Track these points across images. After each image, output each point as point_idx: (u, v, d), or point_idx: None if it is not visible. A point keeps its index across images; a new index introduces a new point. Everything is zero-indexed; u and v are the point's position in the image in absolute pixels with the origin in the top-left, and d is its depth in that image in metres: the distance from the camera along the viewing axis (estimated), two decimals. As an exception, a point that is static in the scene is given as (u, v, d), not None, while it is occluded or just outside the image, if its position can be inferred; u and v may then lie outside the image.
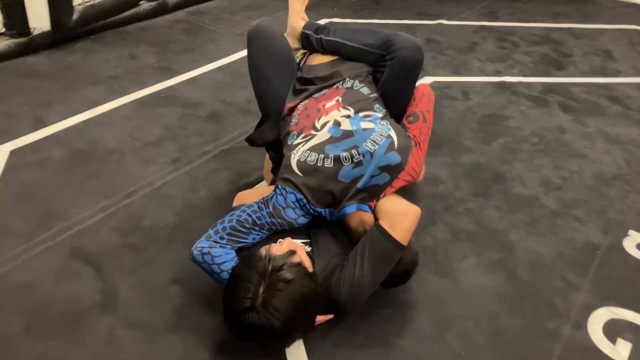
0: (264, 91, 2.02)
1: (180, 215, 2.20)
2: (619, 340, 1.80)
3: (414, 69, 1.94)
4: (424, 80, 3.29)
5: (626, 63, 3.72)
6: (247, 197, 1.91)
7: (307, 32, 2.10)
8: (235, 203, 1.92)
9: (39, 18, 3.21)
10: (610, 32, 4.21)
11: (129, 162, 2.46)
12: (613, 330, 1.84)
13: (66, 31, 3.32)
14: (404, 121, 1.94)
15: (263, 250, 1.58)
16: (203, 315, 1.80)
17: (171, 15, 3.95)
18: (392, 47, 1.90)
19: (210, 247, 1.69)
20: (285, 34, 2.13)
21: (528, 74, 3.48)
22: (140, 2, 3.77)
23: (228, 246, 1.70)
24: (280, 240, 1.75)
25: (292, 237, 1.75)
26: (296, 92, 1.99)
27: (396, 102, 1.98)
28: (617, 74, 3.57)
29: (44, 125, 2.66)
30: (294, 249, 1.62)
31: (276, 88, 2.00)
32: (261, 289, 1.48)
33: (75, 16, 3.30)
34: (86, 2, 3.42)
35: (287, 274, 1.51)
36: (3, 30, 3.17)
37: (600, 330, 1.83)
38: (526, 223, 2.28)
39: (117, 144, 2.57)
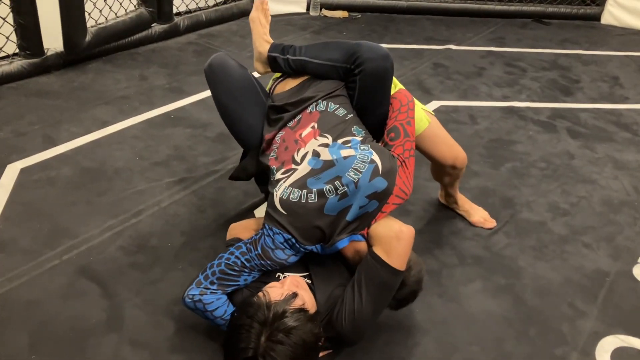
0: (235, 127, 1.96)
1: (187, 234, 2.21)
2: (628, 369, 1.78)
3: (384, 79, 1.84)
4: (432, 105, 3.30)
5: (634, 89, 3.73)
6: (239, 230, 1.90)
7: (274, 54, 1.99)
8: (229, 236, 1.91)
9: (52, 39, 3.26)
10: (618, 58, 4.22)
11: (137, 182, 2.48)
12: (621, 358, 1.81)
13: (79, 52, 3.37)
14: (386, 138, 1.85)
15: (262, 297, 1.54)
16: (208, 336, 1.79)
17: (182, 38, 4.00)
18: (358, 59, 1.80)
19: (201, 294, 1.67)
20: (254, 61, 2.08)
21: (536, 100, 3.49)
22: (152, 25, 3.82)
23: (219, 291, 1.68)
24: (279, 274, 1.73)
25: (289, 272, 1.73)
26: (271, 122, 1.91)
27: (374, 114, 1.89)
28: (625, 100, 3.57)
29: (54, 144, 2.68)
30: (295, 290, 1.58)
31: (247, 121, 1.93)
32: (262, 339, 1.45)
33: (88, 37, 3.34)
34: (99, 24, 3.48)
35: (289, 322, 1.47)
36: (17, 51, 3.22)
37: (609, 358, 1.81)
38: (534, 249, 2.26)
39: (125, 164, 2.59)
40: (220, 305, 1.68)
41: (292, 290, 1.57)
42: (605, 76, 3.90)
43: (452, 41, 4.31)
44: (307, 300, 1.59)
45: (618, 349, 1.85)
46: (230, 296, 1.72)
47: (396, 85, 2.06)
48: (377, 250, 1.64)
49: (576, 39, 4.54)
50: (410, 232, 1.66)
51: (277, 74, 2.09)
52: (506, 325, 1.91)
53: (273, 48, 2.01)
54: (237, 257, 1.68)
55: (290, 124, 1.86)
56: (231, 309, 1.69)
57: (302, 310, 1.52)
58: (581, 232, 2.37)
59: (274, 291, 1.58)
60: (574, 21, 4.92)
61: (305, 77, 1.97)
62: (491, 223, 2.36)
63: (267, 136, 1.88)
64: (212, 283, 1.67)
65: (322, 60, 1.91)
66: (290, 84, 1.98)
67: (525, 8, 4.88)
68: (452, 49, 4.17)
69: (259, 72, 2.10)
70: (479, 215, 2.37)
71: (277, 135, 1.87)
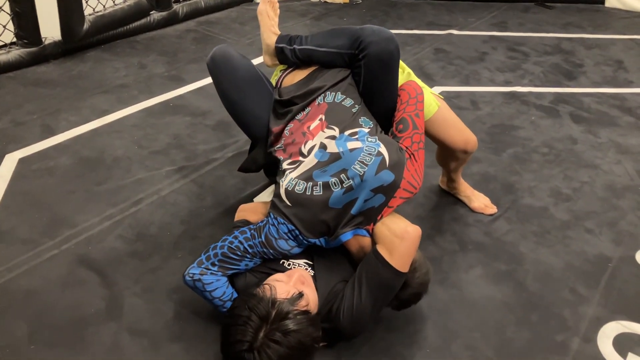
0: (241, 119, 1.95)
1: (186, 223, 2.20)
2: (630, 355, 1.76)
3: (389, 62, 1.80)
4: (434, 91, 3.27)
5: (638, 73, 3.68)
6: (247, 213, 1.89)
7: (281, 45, 1.98)
8: (237, 217, 1.91)
9: (50, 28, 3.24)
10: (622, 42, 4.17)
11: (137, 170, 2.47)
12: (623, 344, 1.80)
13: (77, 41, 3.35)
14: (394, 130, 1.82)
15: (267, 290, 1.52)
16: (207, 324, 1.78)
17: (181, 25, 3.98)
18: (362, 43, 1.77)
19: (201, 274, 1.66)
20: (263, 54, 2.07)
21: (538, 84, 3.46)
22: (151, 12, 3.79)
23: (219, 273, 1.67)
24: (284, 261, 1.71)
25: (293, 259, 1.72)
26: (279, 116, 1.89)
27: (381, 101, 1.86)
28: (629, 84, 3.53)
29: (52, 133, 2.67)
30: (301, 288, 1.56)
31: (253, 112, 1.91)
32: (261, 334, 1.44)
33: (86, 26, 3.32)
34: (97, 12, 3.45)
35: (290, 324, 1.45)
36: (14, 40, 3.20)
37: (610, 344, 1.80)
38: (536, 234, 2.25)
39: (125, 152, 2.58)
40: (219, 287, 1.67)
41: (298, 289, 1.56)
42: (609, 60, 3.85)
43: (453, 26, 4.27)
44: (311, 299, 1.58)
45: (620, 335, 1.83)
46: (233, 279, 1.72)
47: (410, 75, 2.04)
48: (380, 249, 1.62)
49: (579, 23, 4.49)
50: (415, 233, 1.62)
51: (283, 67, 2.07)
52: (507, 311, 1.90)
53: (280, 39, 2.00)
54: (240, 241, 1.67)
55: (299, 116, 1.85)
56: (230, 290, 1.69)
57: (305, 312, 1.50)
58: (583, 218, 2.35)
59: (281, 287, 1.55)
60: (578, 4, 4.86)
61: (313, 68, 1.95)
62: (492, 209, 2.34)
63: (275, 129, 1.87)
64: (213, 264, 1.67)
65: (328, 48, 1.89)
66: (299, 75, 1.96)
67: (528, -8, 4.83)
68: (454, 34, 4.13)
69: (267, 65, 2.09)
70: (479, 201, 2.36)
71: (286, 128, 1.85)
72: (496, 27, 4.29)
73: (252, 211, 1.88)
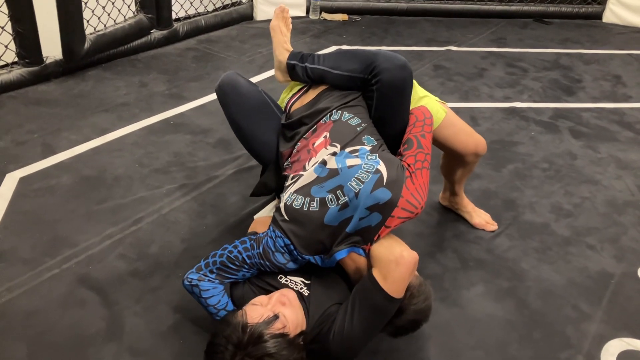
0: (250, 145, 1.98)
1: (187, 241, 2.19)
2: (634, 372, 1.75)
3: (401, 90, 1.81)
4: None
5: (637, 88, 3.70)
6: (259, 226, 1.90)
7: (292, 62, 1.99)
8: (250, 229, 1.92)
9: (51, 47, 3.26)
10: (620, 57, 4.20)
11: (137, 189, 2.47)
12: (628, 361, 1.79)
13: (78, 60, 3.36)
14: (400, 150, 1.82)
15: (239, 316, 1.49)
16: (208, 344, 1.77)
17: (182, 44, 4.00)
18: (375, 70, 1.78)
19: (199, 280, 1.68)
20: (274, 69, 2.10)
21: (538, 100, 3.47)
22: (152, 31, 3.82)
23: (217, 280, 1.68)
24: (281, 276, 1.71)
25: (291, 276, 1.71)
26: (288, 139, 1.91)
27: (394, 125, 1.87)
28: (627, 99, 3.55)
29: (53, 152, 2.68)
30: (280, 310, 1.53)
31: (261, 138, 1.94)
32: None
33: (87, 45, 3.34)
34: (98, 31, 3.47)
35: (264, 347, 1.41)
36: (16, 59, 3.22)
37: (615, 362, 1.79)
38: (537, 251, 2.24)
39: (125, 171, 2.58)
40: (215, 295, 1.68)
41: (275, 311, 1.52)
42: (608, 75, 3.87)
43: (452, 42, 4.29)
44: (290, 320, 1.53)
45: (624, 352, 1.82)
46: (231, 288, 1.72)
47: (414, 86, 2.05)
48: (375, 273, 1.59)
49: (578, 38, 4.51)
50: (411, 258, 1.58)
51: (293, 86, 2.09)
52: (510, 329, 1.89)
53: (292, 56, 2.01)
54: (239, 251, 1.68)
55: (306, 134, 1.87)
56: (225, 299, 1.68)
57: (282, 335, 1.46)
58: (585, 234, 2.35)
59: (255, 311, 1.52)
60: (576, 20, 4.90)
61: (323, 88, 1.96)
62: (493, 226, 2.34)
63: (285, 152, 1.89)
64: (211, 272, 1.69)
65: (341, 71, 1.90)
66: (308, 98, 1.98)
67: (526, 8, 4.86)
68: (453, 50, 4.15)
69: (279, 81, 2.10)
70: (481, 217, 2.35)
71: (294, 148, 1.88)
72: (495, 43, 4.32)
73: (263, 224, 1.89)
